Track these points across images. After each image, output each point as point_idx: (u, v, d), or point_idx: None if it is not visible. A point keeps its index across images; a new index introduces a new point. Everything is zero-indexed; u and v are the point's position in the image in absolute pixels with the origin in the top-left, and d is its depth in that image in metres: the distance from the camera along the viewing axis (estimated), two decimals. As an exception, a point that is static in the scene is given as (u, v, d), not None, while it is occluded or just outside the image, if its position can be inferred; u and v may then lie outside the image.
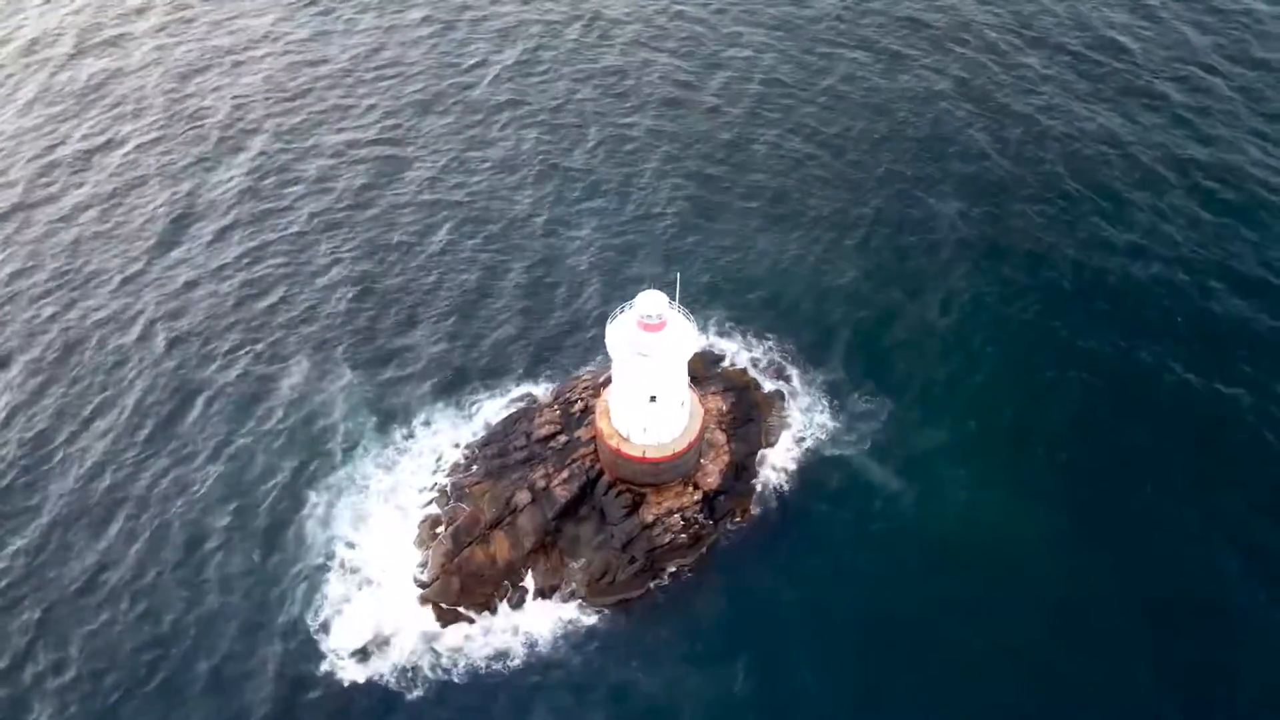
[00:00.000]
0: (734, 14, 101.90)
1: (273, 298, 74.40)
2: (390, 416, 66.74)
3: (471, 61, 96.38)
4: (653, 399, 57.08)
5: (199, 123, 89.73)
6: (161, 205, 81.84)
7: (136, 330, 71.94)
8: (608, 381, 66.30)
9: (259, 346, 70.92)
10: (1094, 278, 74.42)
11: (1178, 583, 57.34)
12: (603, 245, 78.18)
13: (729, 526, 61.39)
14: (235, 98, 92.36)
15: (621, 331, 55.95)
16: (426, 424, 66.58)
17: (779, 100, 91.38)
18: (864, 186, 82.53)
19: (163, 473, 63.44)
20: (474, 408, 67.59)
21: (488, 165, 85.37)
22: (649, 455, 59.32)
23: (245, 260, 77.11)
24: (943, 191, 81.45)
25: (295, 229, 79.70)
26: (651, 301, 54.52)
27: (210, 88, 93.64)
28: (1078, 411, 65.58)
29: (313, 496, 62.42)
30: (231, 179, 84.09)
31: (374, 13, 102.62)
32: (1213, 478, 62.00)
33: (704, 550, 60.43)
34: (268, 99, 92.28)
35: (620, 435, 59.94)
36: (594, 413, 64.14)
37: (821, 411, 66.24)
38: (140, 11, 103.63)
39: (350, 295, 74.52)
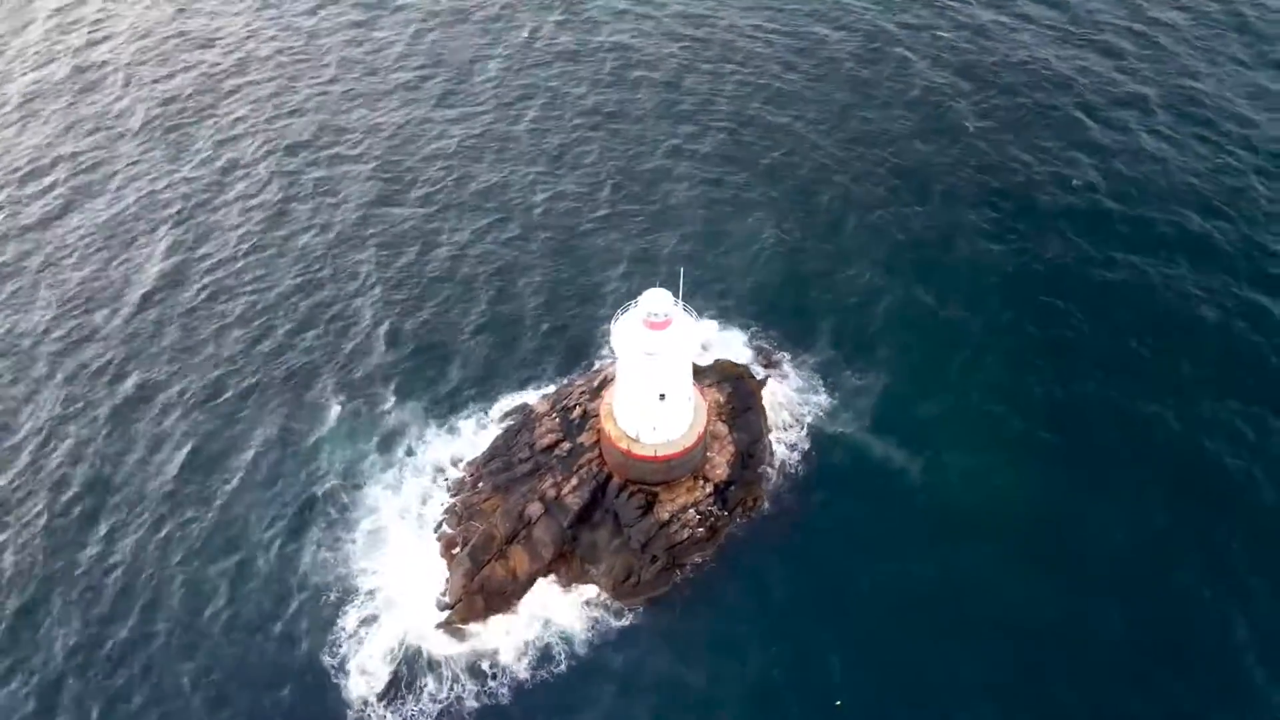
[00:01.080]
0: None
1: (248, 328, 72.09)
2: (387, 440, 65.24)
3: (424, 64, 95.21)
4: (662, 397, 56.94)
5: (176, 138, 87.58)
6: (136, 236, 79.36)
7: (126, 381, 68.99)
8: (603, 385, 65.97)
9: (244, 382, 68.66)
10: (1067, 232, 76.57)
11: (1183, 514, 59.79)
12: (579, 244, 77.63)
13: (742, 515, 61.63)
14: (215, 113, 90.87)
15: (629, 332, 55.58)
16: (424, 442, 65.31)
17: (740, 82, 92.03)
18: (827, 166, 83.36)
19: (159, 523, 61.06)
20: (469, 423, 66.57)
21: (445, 167, 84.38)
22: (660, 453, 59.17)
23: (218, 293, 74.71)
24: (909, 163, 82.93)
25: (257, 256, 77.48)
26: (657, 299, 54.31)
27: (186, 100, 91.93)
28: (1066, 363, 67.46)
29: (316, 532, 60.75)
30: (209, 211, 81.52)
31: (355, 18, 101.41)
32: (1209, 404, 64.81)
33: (721, 541, 60.61)
34: (250, 109, 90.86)
35: (629, 436, 59.62)
36: (596, 417, 63.76)
37: (817, 392, 66.91)
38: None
39: (327, 319, 72.69)
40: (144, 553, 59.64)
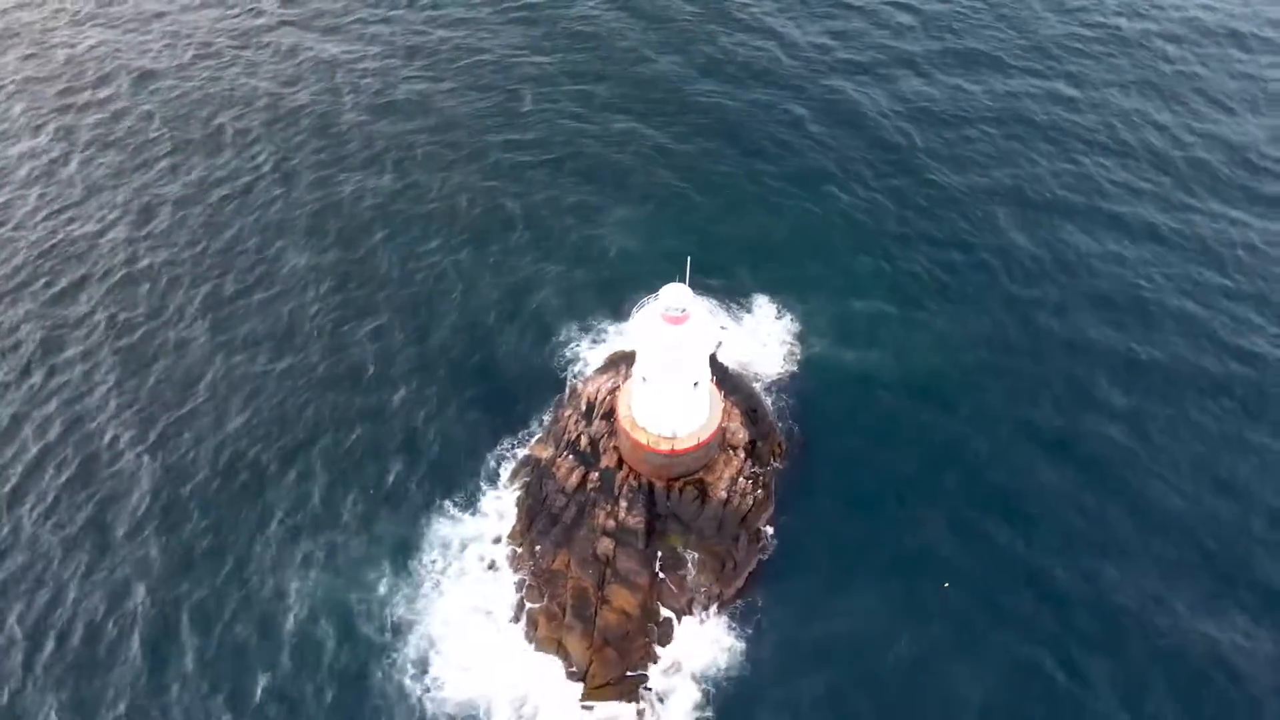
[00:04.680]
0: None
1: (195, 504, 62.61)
2: (404, 551, 60.22)
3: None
4: (696, 384, 57.28)
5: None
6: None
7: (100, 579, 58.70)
8: (592, 408, 64.64)
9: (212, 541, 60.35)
10: (892, 131, 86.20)
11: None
12: (467, 279, 75.16)
13: (777, 463, 63.79)
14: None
15: (652, 332, 55.03)
16: (438, 542, 60.80)
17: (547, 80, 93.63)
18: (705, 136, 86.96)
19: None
20: (477, 497, 62.89)
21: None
22: (703, 439, 59.61)
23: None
24: (741, 111, 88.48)
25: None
26: (676, 295, 54.20)
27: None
28: (949, 232, 76.62)
29: (391, 675, 55.17)
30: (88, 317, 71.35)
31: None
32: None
33: (775, 494, 62.49)
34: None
35: (666, 437, 59.32)
36: (605, 437, 62.67)
37: (782, 341, 69.83)
38: None
39: (281, 448, 65.30)
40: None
